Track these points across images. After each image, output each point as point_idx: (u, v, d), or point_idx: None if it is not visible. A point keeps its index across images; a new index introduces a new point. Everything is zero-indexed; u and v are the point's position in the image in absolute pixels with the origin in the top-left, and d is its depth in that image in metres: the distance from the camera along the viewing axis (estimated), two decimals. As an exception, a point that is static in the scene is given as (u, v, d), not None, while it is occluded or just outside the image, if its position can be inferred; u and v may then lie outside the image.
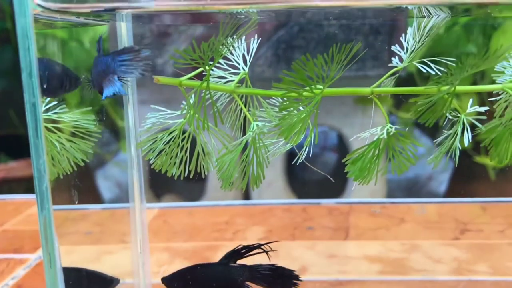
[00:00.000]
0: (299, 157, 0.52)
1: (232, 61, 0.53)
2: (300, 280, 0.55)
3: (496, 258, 0.76)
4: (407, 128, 0.49)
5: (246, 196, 1.32)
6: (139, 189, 0.60)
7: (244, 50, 0.53)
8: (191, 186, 1.32)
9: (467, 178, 1.46)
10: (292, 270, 0.56)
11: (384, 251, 0.80)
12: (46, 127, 0.50)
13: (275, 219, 0.97)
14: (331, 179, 0.53)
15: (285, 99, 0.45)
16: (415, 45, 0.50)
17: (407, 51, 0.50)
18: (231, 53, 0.52)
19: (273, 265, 0.56)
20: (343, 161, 0.48)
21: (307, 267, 0.75)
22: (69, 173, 0.51)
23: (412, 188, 1.51)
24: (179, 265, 0.80)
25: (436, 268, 0.73)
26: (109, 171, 0.96)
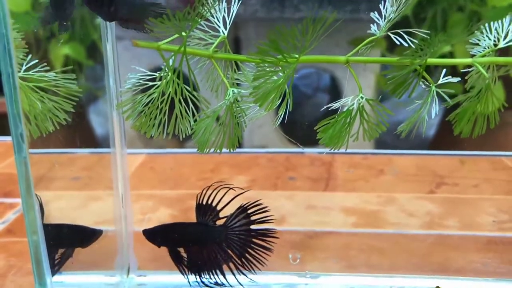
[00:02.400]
0: (277, 120, 0.53)
1: (212, 23, 0.53)
2: (277, 238, 0.58)
3: (467, 213, 0.79)
4: (379, 97, 0.50)
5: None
6: (120, 132, 0.61)
7: (224, 12, 0.53)
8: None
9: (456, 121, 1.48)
10: (269, 230, 0.58)
11: (360, 203, 0.83)
12: (28, 87, 0.52)
13: (259, 169, 0.99)
14: (301, 147, 0.55)
15: (259, 68, 0.46)
16: (393, 14, 0.50)
17: (385, 19, 0.51)
18: (212, 15, 0.53)
19: (250, 227, 0.58)
20: (315, 128, 0.49)
21: (286, 218, 0.78)
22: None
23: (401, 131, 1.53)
24: (163, 212, 0.83)
25: (409, 222, 0.77)
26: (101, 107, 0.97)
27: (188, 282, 0.58)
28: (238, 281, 0.58)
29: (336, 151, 0.50)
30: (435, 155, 1.05)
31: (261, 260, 0.58)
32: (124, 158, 0.63)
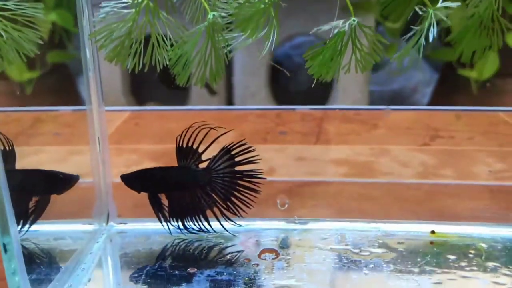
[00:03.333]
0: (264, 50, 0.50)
1: None
2: (264, 179, 0.55)
3: (462, 164, 0.76)
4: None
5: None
6: (96, 91, 0.58)
7: None
8: (174, 93, 1.30)
9: (450, 91, 1.45)
10: (256, 171, 0.55)
11: (352, 155, 0.80)
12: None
13: (248, 124, 0.96)
14: (287, 73, 0.52)
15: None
16: None
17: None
18: None
19: (235, 169, 0.55)
20: (303, 55, 0.46)
21: (275, 169, 0.75)
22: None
23: (395, 99, 1.50)
24: (148, 166, 0.80)
25: (402, 172, 0.74)
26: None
27: (169, 230, 0.55)
28: (223, 227, 0.55)
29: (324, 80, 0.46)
30: (429, 110, 1.02)
31: (248, 204, 0.55)
32: (102, 114, 0.59)
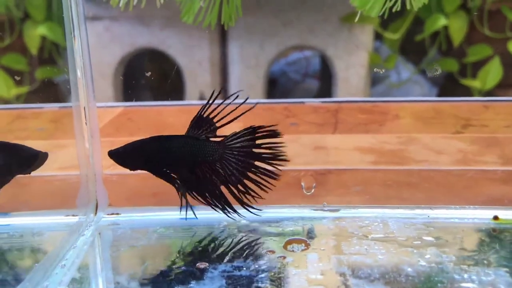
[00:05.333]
0: None
1: None
2: (287, 161, 0.45)
3: (505, 150, 0.67)
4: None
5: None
6: (86, 87, 0.48)
7: None
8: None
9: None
10: (275, 153, 0.45)
11: (377, 143, 0.70)
12: None
13: (255, 116, 0.85)
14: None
15: None
16: None
17: None
18: None
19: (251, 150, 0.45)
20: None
21: (291, 158, 0.64)
22: None
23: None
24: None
25: (439, 159, 0.64)
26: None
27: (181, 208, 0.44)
28: (236, 212, 0.45)
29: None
30: (451, 101, 0.93)
31: (265, 187, 0.44)
32: (93, 109, 0.50)
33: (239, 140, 0.46)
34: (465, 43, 1.34)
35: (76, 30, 0.45)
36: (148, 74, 0.65)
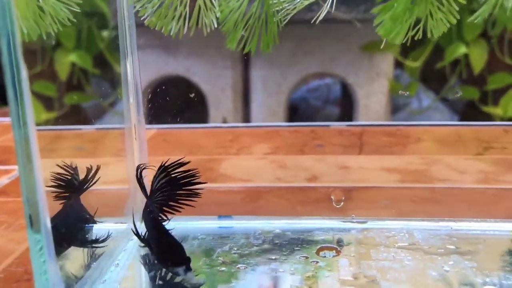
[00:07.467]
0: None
1: None
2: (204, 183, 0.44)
3: (526, 171, 0.69)
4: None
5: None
6: (136, 110, 0.53)
7: None
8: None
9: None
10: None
11: (402, 164, 0.73)
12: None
13: (282, 138, 0.90)
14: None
15: None
16: None
17: None
18: None
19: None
20: (372, 11, 0.40)
21: (317, 176, 0.68)
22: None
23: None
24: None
25: (462, 178, 0.67)
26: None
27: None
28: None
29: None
30: (471, 126, 0.96)
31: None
32: (142, 130, 0.55)
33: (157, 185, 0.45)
34: (485, 71, 1.37)
35: (129, 57, 0.50)
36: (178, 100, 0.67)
